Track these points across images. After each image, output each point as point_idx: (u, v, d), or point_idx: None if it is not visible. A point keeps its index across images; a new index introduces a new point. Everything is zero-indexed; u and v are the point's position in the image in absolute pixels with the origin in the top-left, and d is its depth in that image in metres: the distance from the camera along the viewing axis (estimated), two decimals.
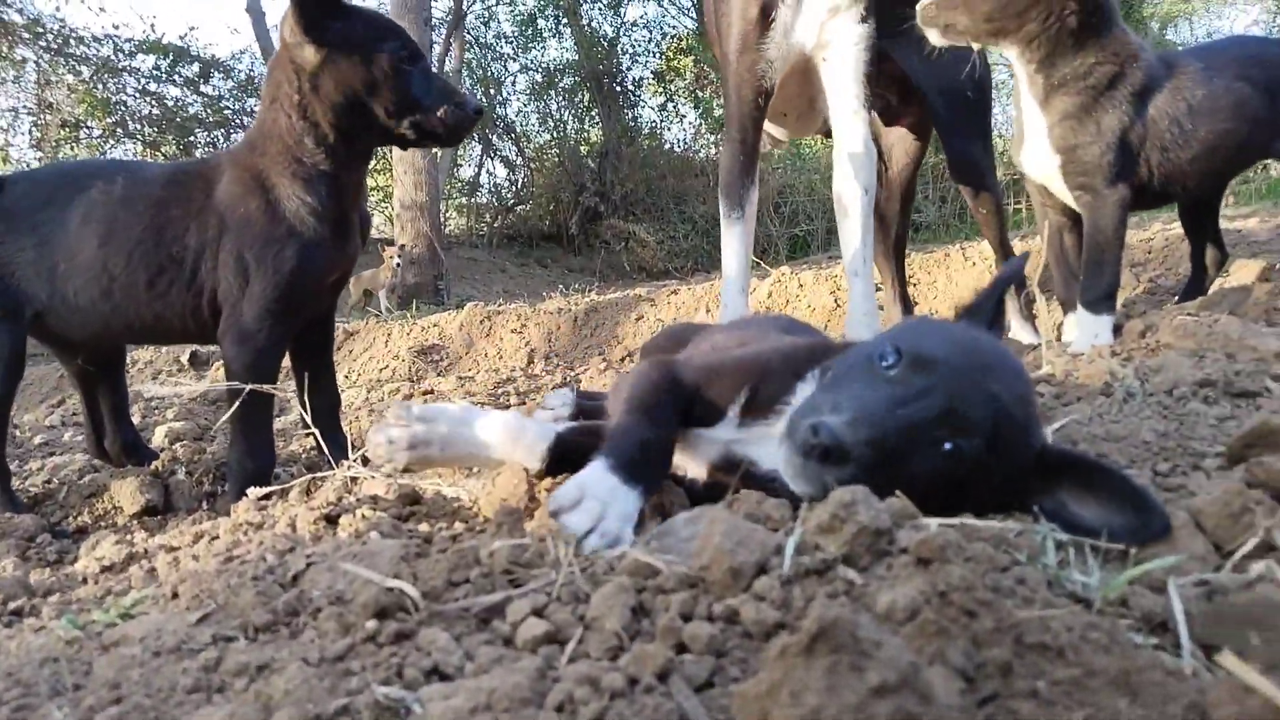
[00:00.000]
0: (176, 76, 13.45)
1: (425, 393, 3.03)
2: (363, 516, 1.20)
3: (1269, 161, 2.37)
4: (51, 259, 1.96)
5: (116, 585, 1.12)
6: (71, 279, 1.95)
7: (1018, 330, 3.17)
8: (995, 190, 3.17)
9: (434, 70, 2.12)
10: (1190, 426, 1.32)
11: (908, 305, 3.45)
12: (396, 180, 11.24)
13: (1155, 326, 2.03)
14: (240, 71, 14.42)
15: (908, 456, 1.00)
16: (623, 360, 4.07)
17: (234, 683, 0.76)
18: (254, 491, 1.52)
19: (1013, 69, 2.37)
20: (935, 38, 2.35)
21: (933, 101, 3.01)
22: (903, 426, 1.01)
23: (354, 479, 1.40)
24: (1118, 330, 2.19)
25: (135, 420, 3.24)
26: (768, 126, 3.00)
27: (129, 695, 0.74)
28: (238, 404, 1.89)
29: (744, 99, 2.62)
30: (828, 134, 2.86)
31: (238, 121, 14.40)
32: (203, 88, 13.81)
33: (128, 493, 1.90)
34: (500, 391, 2.89)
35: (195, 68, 13.58)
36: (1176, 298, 2.80)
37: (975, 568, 0.83)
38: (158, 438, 3.02)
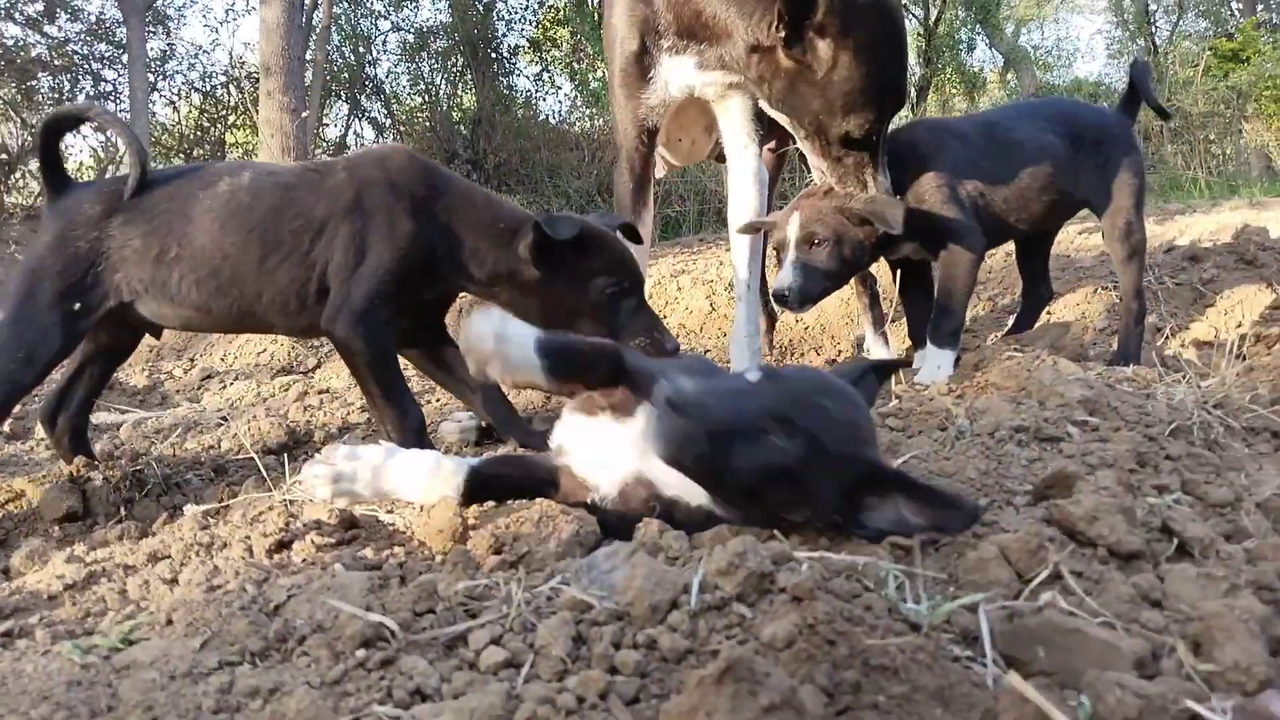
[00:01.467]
0: (16, 14, 12.56)
1: (321, 391, 3.12)
2: (313, 544, 1.36)
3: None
4: (160, 245, 2.03)
5: (93, 607, 1.24)
6: (180, 263, 2.03)
7: (872, 344, 3.52)
8: None
9: (645, 306, 2.28)
10: (1006, 466, 1.63)
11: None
12: (262, 143, 10.90)
13: (985, 362, 2.36)
14: (90, 14, 13.59)
15: (739, 436, 1.29)
16: None
17: (249, 704, 0.93)
18: (191, 510, 1.63)
19: None
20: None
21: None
22: (737, 407, 1.32)
23: (291, 501, 1.55)
24: (958, 362, 2.53)
25: None
26: (661, 151, 3.19)
27: (163, 716, 0.90)
28: (369, 382, 2.08)
29: (629, 136, 2.79)
30: (721, 159, 3.09)
31: (85, 67, 13.60)
32: (46, 28, 12.95)
33: (48, 500, 1.96)
34: None
35: (39, 6, 12.70)
36: (1007, 328, 3.19)
37: (834, 602, 1.07)
38: (39, 427, 3.02)
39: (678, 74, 2.67)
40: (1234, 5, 23.35)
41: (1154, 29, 24.37)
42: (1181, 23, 24.59)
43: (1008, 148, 2.62)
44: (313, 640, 1.03)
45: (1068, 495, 1.49)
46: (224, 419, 2.95)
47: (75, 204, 2.07)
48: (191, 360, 4.69)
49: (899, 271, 2.85)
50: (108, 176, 2.60)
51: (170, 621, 1.10)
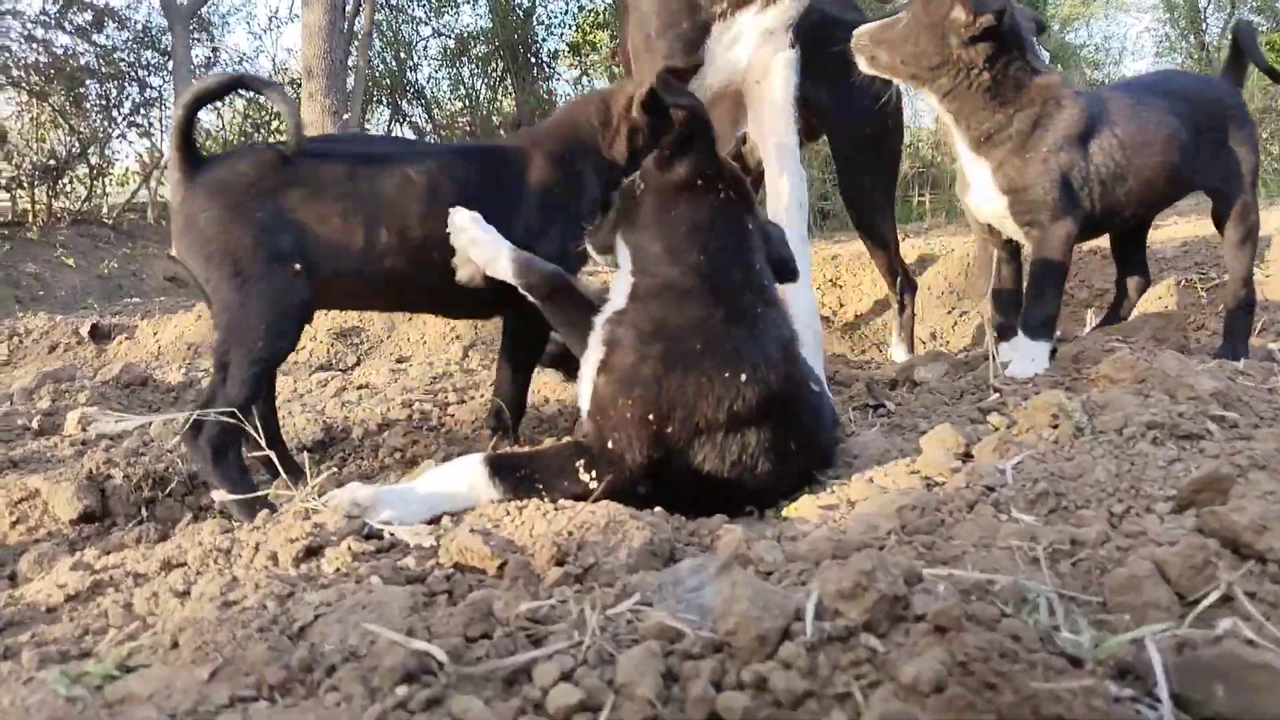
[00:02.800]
0: (67, 23, 12.67)
1: (360, 387, 2.96)
2: (349, 551, 1.18)
3: None
4: (360, 223, 1.97)
5: (94, 623, 1.07)
6: (379, 242, 1.97)
7: (898, 354, 3.33)
8: (884, 225, 3.34)
9: None
10: (1141, 468, 1.40)
11: None
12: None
13: (1087, 354, 2.13)
14: (136, 22, 13.69)
15: None
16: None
17: None
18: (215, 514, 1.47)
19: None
20: (863, 64, 2.46)
21: (835, 134, 3.23)
22: None
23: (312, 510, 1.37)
24: (1054, 355, 2.29)
25: (45, 402, 3.08)
26: None
27: None
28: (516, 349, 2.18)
29: None
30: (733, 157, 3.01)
31: (131, 74, 13.70)
32: (95, 37, 13.06)
33: (62, 498, 1.80)
34: (437, 388, 2.84)
35: (88, 15, 12.81)
36: (1096, 318, 2.94)
37: (982, 633, 0.87)
38: (69, 423, 2.89)
39: (732, 42, 2.56)
40: None
41: (1205, 25, 23.70)
42: (1234, 17, 23.90)
43: (1129, 128, 2.36)
44: (344, 672, 0.84)
45: (1223, 501, 1.27)
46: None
47: (233, 177, 1.91)
48: None
49: (993, 258, 2.61)
50: (244, 148, 2.48)
51: (176, 644, 0.91)
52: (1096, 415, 1.61)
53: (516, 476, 1.55)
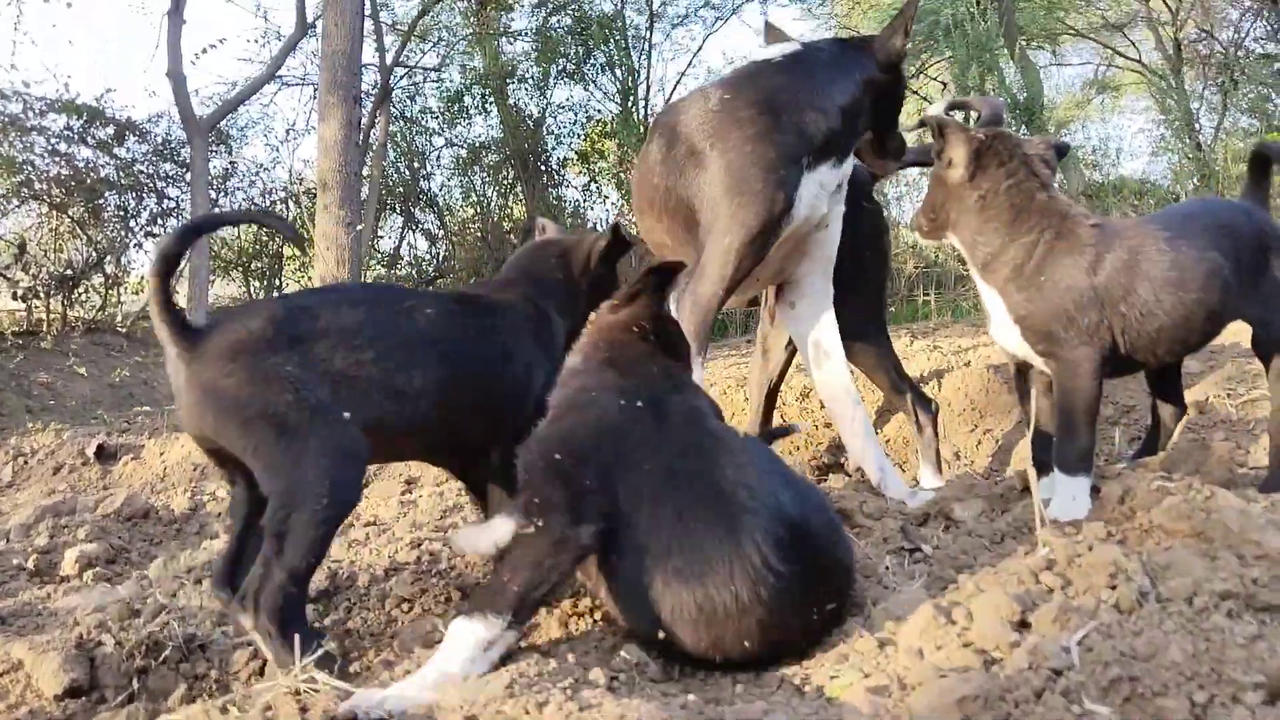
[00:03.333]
0: (89, 138, 12.99)
1: (368, 524, 2.85)
2: None
3: None
4: (394, 368, 1.92)
5: None
6: (413, 386, 1.94)
7: (926, 479, 3.22)
8: (881, 354, 3.32)
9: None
10: (1219, 647, 1.28)
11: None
12: (318, 255, 10.97)
13: (1132, 493, 2.01)
14: (156, 135, 14.03)
15: None
16: None
17: None
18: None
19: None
20: (920, 238, 2.59)
21: None
22: None
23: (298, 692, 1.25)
24: (1095, 492, 2.17)
25: (43, 539, 2.98)
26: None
27: None
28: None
29: (741, 269, 2.71)
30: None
31: (150, 186, 13.97)
32: (116, 150, 13.37)
33: (48, 671, 1.68)
34: (447, 524, 2.74)
35: (109, 130, 13.14)
36: (1120, 435, 2.83)
37: None
38: (67, 562, 2.78)
39: (815, 187, 2.79)
40: (1278, 101, 23.07)
41: (1198, 126, 24.15)
42: (1225, 121, 24.40)
43: (1162, 262, 2.24)
44: None
45: None
46: None
47: (247, 335, 1.80)
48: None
49: (1022, 379, 2.52)
50: (242, 306, 2.51)
51: None
52: (1160, 578, 1.49)
53: (494, 598, 1.57)
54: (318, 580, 2.29)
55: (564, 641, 1.56)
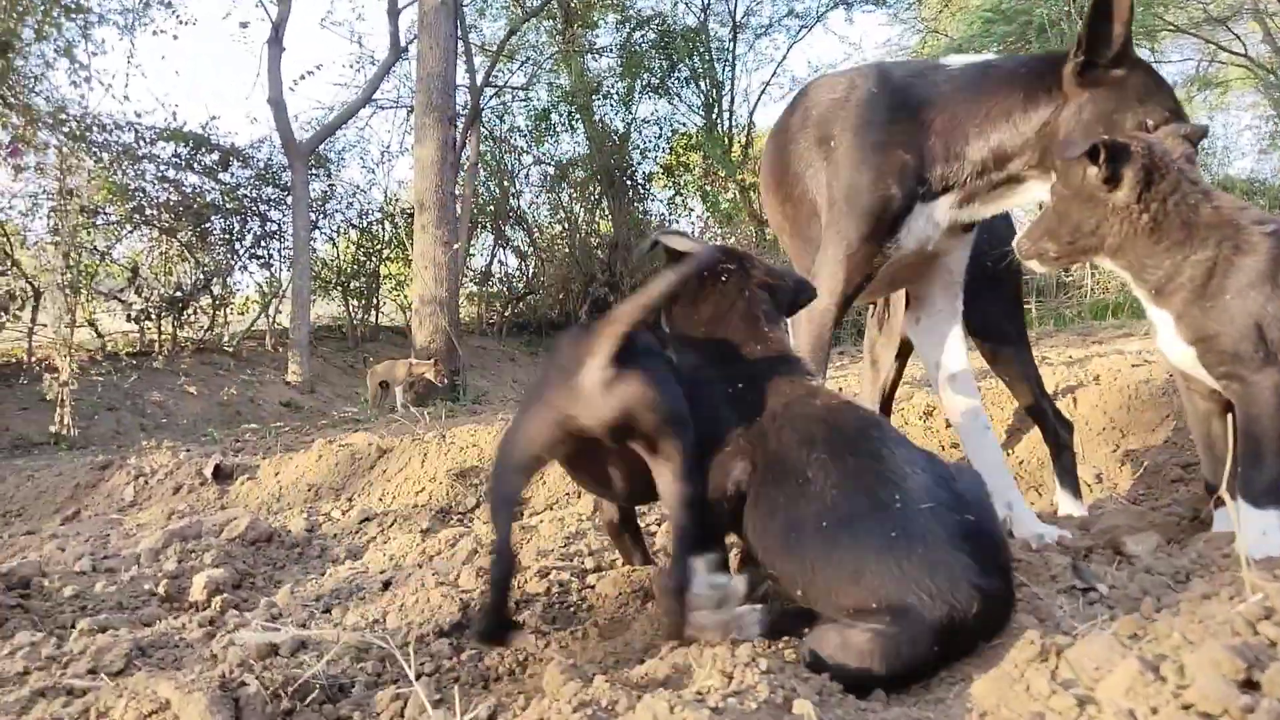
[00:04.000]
0: (196, 164, 13.50)
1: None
2: None
3: None
4: None
5: None
6: None
7: (1065, 504, 3.01)
8: (1022, 360, 3.12)
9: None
10: None
11: None
12: (416, 274, 11.16)
13: None
14: (259, 160, 14.50)
15: None
16: None
17: None
18: None
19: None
20: (1038, 267, 2.31)
21: None
22: None
23: None
24: None
25: (171, 564, 3.00)
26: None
27: None
28: None
29: (850, 281, 2.57)
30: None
31: (253, 209, 14.43)
32: (221, 175, 13.87)
33: (194, 711, 1.64)
34: (572, 551, 2.66)
35: (215, 156, 13.63)
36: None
37: None
38: (195, 588, 2.79)
39: (925, 221, 2.56)
40: None
41: None
42: None
43: None
44: None
45: None
46: (388, 583, 2.64)
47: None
48: (350, 500, 4.51)
49: (1193, 397, 2.32)
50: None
51: None
52: None
53: None
54: (450, 613, 2.23)
55: (733, 695, 1.45)
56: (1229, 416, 2.23)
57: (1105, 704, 1.42)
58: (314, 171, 14.80)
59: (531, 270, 18.98)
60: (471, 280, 18.08)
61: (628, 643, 1.94)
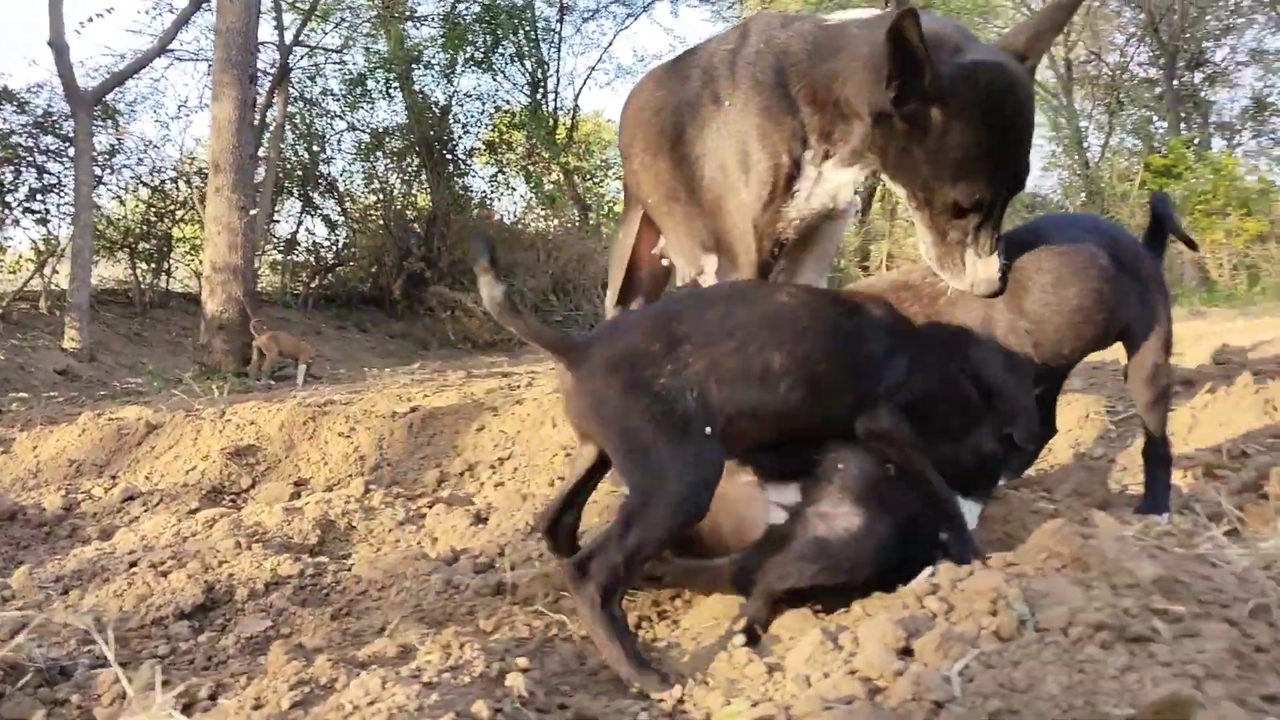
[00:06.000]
0: None
1: (251, 531, 2.72)
2: None
3: None
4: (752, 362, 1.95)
5: None
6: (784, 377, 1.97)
7: None
8: None
9: None
10: (1093, 679, 1.32)
11: None
12: (208, 239, 10.56)
13: (1015, 516, 2.08)
14: (36, 107, 13.29)
15: None
16: (462, 474, 3.88)
17: None
18: None
19: None
20: None
21: None
22: None
23: None
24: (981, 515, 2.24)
25: None
26: (677, 259, 3.03)
27: None
28: None
29: (762, 249, 2.60)
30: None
31: (29, 159, 13.23)
32: None
33: None
34: (329, 537, 2.65)
35: None
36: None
37: None
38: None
39: (817, 182, 2.57)
40: (1159, 124, 24.44)
41: (1086, 144, 25.35)
42: (1112, 139, 25.66)
43: (1058, 261, 2.34)
44: None
45: None
46: (134, 564, 2.54)
47: (630, 346, 1.94)
48: (114, 478, 4.26)
49: None
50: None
51: None
52: (1039, 606, 1.53)
53: None
54: (194, 594, 2.18)
55: (448, 670, 1.51)
56: None
57: (789, 670, 1.58)
58: (100, 123, 13.70)
59: (342, 241, 18.30)
60: (275, 248, 17.26)
61: (369, 624, 1.97)
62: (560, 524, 2.07)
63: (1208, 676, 1.32)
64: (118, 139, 14.69)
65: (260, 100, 13.52)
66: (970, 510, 2.22)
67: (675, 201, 2.87)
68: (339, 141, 18.65)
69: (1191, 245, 2.73)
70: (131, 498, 3.87)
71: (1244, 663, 1.44)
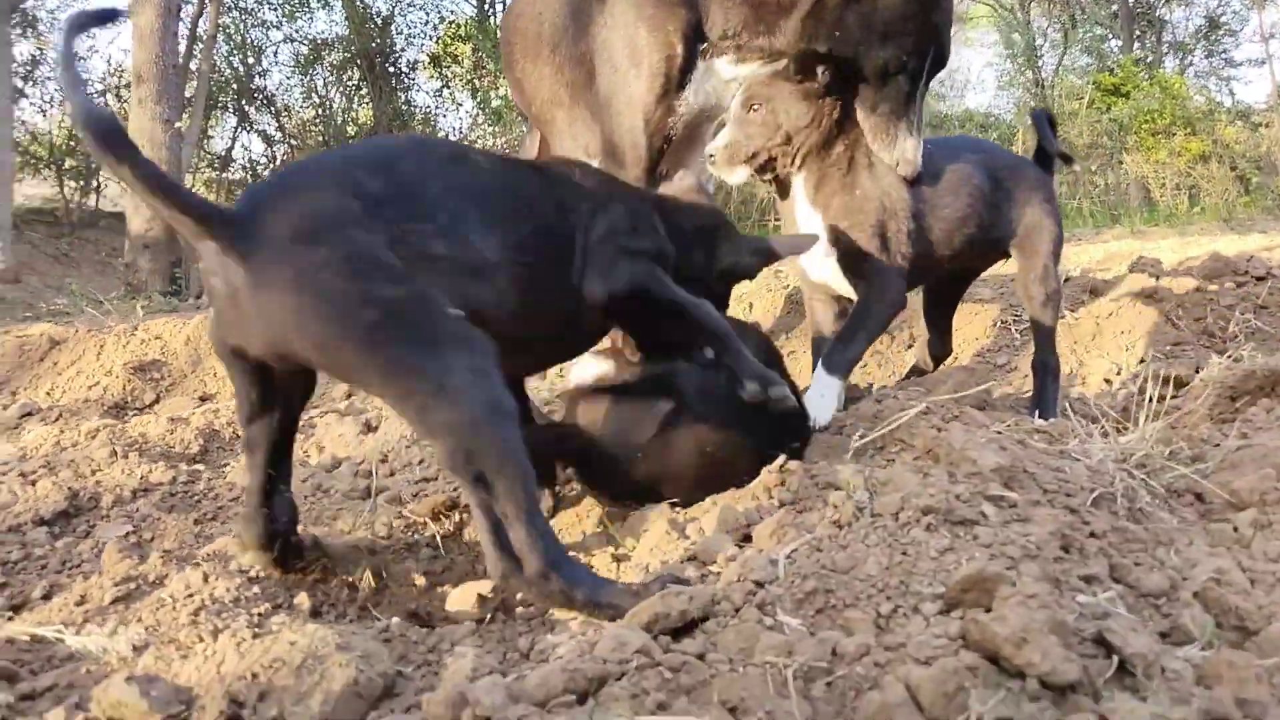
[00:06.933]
0: None
1: (132, 442, 2.65)
2: None
3: None
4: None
5: None
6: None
7: None
8: None
9: None
10: (913, 560, 1.33)
11: None
12: None
13: (887, 414, 2.08)
14: None
15: None
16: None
17: None
18: None
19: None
20: None
21: None
22: None
23: None
24: (848, 405, 2.26)
25: None
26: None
27: None
28: None
29: (652, 146, 2.56)
30: None
31: None
32: None
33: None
34: (214, 445, 2.59)
35: None
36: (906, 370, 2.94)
37: None
38: None
39: (707, 76, 2.54)
40: (1114, 42, 24.40)
41: (1040, 63, 25.25)
42: (1066, 58, 25.58)
43: (936, 176, 2.42)
44: None
45: (987, 604, 1.21)
46: (5, 473, 2.47)
47: (339, 218, 1.41)
48: (13, 394, 4.15)
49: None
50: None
51: None
52: (878, 494, 1.54)
53: None
54: (55, 500, 2.13)
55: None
56: None
57: (635, 557, 1.58)
58: (18, 31, 13.06)
59: (280, 157, 17.77)
60: (209, 165, 16.73)
61: (230, 529, 1.94)
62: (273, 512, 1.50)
63: (1024, 557, 1.34)
64: (38, 49, 14.05)
65: (191, 9, 12.97)
66: (830, 386, 2.24)
67: (559, 107, 2.81)
68: (275, 53, 18.01)
69: (1068, 160, 2.78)
70: (30, 414, 3.77)
71: (1071, 546, 1.47)
